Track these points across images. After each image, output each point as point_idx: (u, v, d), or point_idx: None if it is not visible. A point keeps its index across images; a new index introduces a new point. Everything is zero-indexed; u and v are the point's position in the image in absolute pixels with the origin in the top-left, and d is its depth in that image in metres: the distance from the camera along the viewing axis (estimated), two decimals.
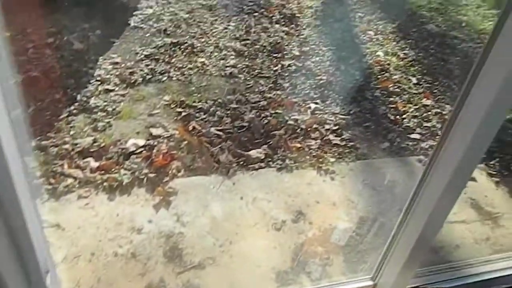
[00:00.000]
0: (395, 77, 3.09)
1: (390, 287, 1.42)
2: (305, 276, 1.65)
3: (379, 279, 1.46)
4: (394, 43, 3.61)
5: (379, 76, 3.08)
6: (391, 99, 2.84)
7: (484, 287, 1.56)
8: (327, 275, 1.67)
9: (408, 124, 2.60)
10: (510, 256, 1.68)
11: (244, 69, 3.02)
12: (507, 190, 2.16)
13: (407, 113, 2.69)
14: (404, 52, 3.47)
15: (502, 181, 2.21)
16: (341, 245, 1.74)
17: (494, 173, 2.25)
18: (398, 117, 2.65)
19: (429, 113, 2.72)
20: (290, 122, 2.48)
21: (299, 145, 2.31)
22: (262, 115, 2.52)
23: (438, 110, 2.75)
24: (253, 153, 2.19)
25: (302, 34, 3.60)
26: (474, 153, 1.07)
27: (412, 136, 2.50)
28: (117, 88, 2.64)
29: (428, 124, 2.60)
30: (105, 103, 2.48)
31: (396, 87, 2.98)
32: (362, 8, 4.23)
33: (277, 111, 2.57)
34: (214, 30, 3.50)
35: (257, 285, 1.63)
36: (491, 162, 2.32)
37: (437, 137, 2.50)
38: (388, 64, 3.24)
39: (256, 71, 3.02)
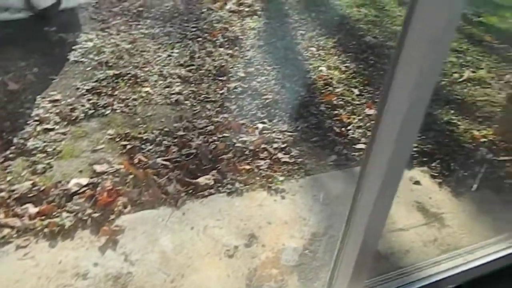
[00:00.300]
0: (338, 90, 3.19)
1: None
2: None
3: None
4: (336, 57, 3.74)
5: (323, 91, 3.17)
6: (336, 112, 2.92)
7: None
8: None
9: (353, 135, 2.67)
10: (455, 255, 1.74)
11: (190, 95, 3.01)
12: (449, 190, 2.25)
13: (352, 124, 2.77)
14: (345, 65, 3.59)
15: (444, 181, 2.30)
16: (292, 265, 1.73)
17: (436, 174, 2.34)
18: (343, 129, 2.72)
19: (373, 122, 2.81)
20: (238, 144, 2.48)
21: (248, 167, 2.31)
22: (210, 140, 2.51)
23: None
24: (202, 180, 2.16)
25: (246, 56, 3.66)
26: (400, 155, 1.10)
27: (358, 146, 2.57)
28: (57, 127, 2.54)
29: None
30: (45, 144, 2.38)
31: (340, 99, 3.07)
32: (303, 26, 4.37)
33: (224, 134, 2.56)
34: (157, 58, 3.48)
35: None
36: (433, 164, 2.42)
37: None
38: (331, 78, 3.34)
39: (202, 96, 3.02)
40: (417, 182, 2.29)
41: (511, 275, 1.71)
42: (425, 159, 2.47)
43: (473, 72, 3.61)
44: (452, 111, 3.01)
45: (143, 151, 2.38)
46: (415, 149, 2.53)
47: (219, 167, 2.27)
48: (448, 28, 0.87)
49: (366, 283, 1.62)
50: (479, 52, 4.03)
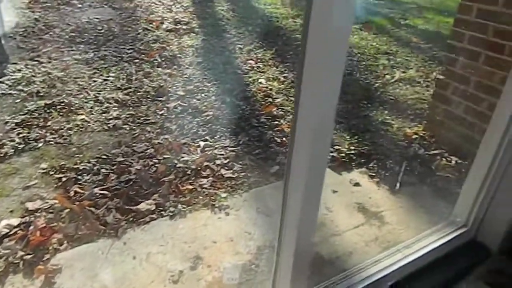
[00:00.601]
0: (278, 100, 3.25)
1: None
2: None
3: None
4: (274, 68, 3.82)
5: (263, 102, 3.21)
6: (276, 122, 2.97)
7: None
8: None
9: None
10: (394, 251, 1.80)
11: (128, 119, 2.94)
12: (387, 188, 2.34)
13: None
14: (283, 75, 3.67)
15: (382, 180, 2.39)
16: (237, 283, 1.72)
17: (374, 174, 2.43)
18: (284, 139, 2.76)
19: None
20: (180, 164, 2.45)
21: (191, 187, 2.28)
22: (150, 163, 2.46)
23: None
24: (143, 206, 2.11)
25: (185, 74, 3.64)
26: (319, 155, 1.12)
27: None
28: None
29: None
30: None
31: (280, 110, 3.12)
32: (241, 40, 4.43)
33: (165, 156, 2.52)
34: (93, 84, 3.39)
35: None
36: (370, 165, 2.51)
37: None
38: (270, 89, 3.40)
39: (142, 118, 2.96)
40: (357, 184, 2.37)
41: (445, 265, 1.80)
42: (363, 160, 2.56)
43: (403, 72, 3.81)
44: (386, 111, 3.16)
45: (80, 182, 2.29)
46: (353, 151, 2.62)
47: (160, 191, 2.23)
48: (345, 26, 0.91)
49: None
50: (407, 53, 4.27)
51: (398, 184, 2.34)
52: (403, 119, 3.05)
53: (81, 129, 2.80)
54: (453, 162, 2.47)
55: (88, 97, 3.18)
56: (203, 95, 3.30)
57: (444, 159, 2.51)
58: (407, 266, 1.74)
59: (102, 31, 4.48)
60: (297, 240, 1.25)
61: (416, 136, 2.76)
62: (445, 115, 2.63)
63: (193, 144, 2.68)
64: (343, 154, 2.59)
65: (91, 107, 3.06)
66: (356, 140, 2.75)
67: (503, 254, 1.87)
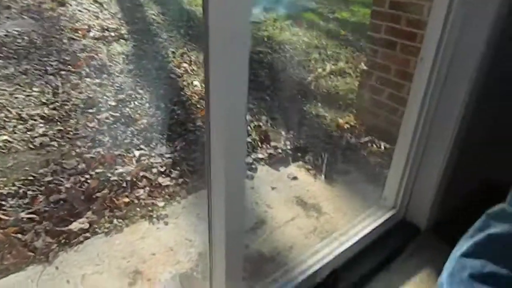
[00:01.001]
0: None
1: None
2: None
3: None
4: None
5: (198, 106, 3.18)
6: None
7: (313, 278, 1.68)
8: None
9: None
10: (331, 240, 1.86)
11: (56, 135, 2.78)
12: (322, 179, 2.41)
13: None
14: None
15: (318, 172, 2.46)
16: None
17: (311, 167, 2.49)
18: None
19: (248, 128, 2.90)
20: (114, 178, 2.36)
21: (127, 200, 2.21)
22: (82, 179, 2.34)
23: (256, 123, 2.96)
24: (75, 225, 2.01)
25: (116, 82, 3.51)
26: (234, 154, 1.11)
27: None
28: None
29: (248, 139, 2.76)
30: None
31: None
32: (174, 43, 4.36)
33: (97, 170, 2.42)
34: (14, 101, 3.16)
35: None
36: (307, 158, 2.57)
37: (259, 149, 2.68)
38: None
39: (71, 133, 2.82)
40: (294, 178, 2.41)
41: (379, 247, 1.88)
42: (299, 154, 2.61)
43: (334, 65, 3.94)
44: (320, 104, 3.25)
45: (3, 208, 2.13)
46: (289, 146, 2.67)
47: (93, 207, 2.13)
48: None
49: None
50: (337, 45, 4.42)
51: (333, 175, 2.42)
52: (336, 110, 3.16)
53: (3, 150, 2.61)
54: (382, 147, 2.60)
55: (9, 115, 2.97)
56: (136, 103, 3.20)
57: (374, 145, 2.63)
58: (344, 253, 1.80)
59: (23, 43, 4.20)
60: (226, 243, 1.24)
61: (348, 125, 2.87)
62: (371, 103, 2.76)
63: (127, 154, 2.60)
64: (279, 150, 2.62)
65: (14, 126, 2.85)
66: (292, 135, 2.80)
67: (430, 230, 1.99)
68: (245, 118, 1.07)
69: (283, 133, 2.85)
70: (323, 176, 2.42)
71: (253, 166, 2.50)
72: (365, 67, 2.77)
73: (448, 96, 1.68)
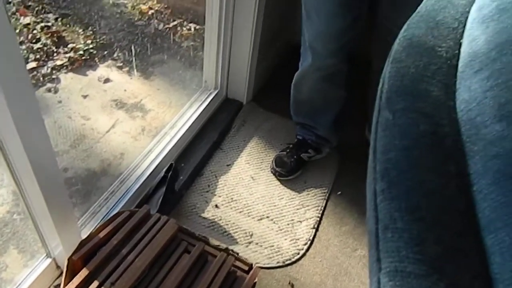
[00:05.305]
0: None
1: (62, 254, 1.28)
2: None
3: (54, 253, 1.29)
4: None
5: None
6: None
7: (152, 179, 1.62)
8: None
9: None
10: (162, 136, 1.78)
11: None
12: (139, 75, 2.21)
13: None
14: None
15: (131, 68, 2.24)
16: (4, 240, 1.44)
17: (121, 64, 2.24)
18: None
19: (30, 30, 2.36)
20: None
21: None
22: None
23: (43, 24, 2.42)
24: None
25: None
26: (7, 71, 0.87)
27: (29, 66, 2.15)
28: None
29: (38, 45, 2.27)
30: None
31: None
32: None
33: None
34: None
35: None
36: (115, 55, 2.29)
37: (56, 54, 2.25)
38: None
39: None
40: (107, 80, 2.15)
41: (210, 129, 1.91)
42: (106, 52, 2.30)
43: None
44: None
45: None
46: (92, 45, 2.31)
47: None
48: None
49: (92, 210, 1.51)
50: None
51: (148, 68, 2.24)
52: None
53: None
54: (192, 29, 2.48)
55: None
56: None
57: (184, 28, 2.49)
58: (177, 145, 1.77)
59: None
60: (36, 174, 1.03)
61: (152, 10, 2.61)
62: None
63: None
64: (81, 52, 2.25)
65: None
66: (92, 32, 2.41)
67: (251, 102, 2.10)
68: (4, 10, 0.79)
69: (80, 31, 2.42)
70: (136, 72, 2.22)
71: (54, 77, 2.11)
72: None
73: None
